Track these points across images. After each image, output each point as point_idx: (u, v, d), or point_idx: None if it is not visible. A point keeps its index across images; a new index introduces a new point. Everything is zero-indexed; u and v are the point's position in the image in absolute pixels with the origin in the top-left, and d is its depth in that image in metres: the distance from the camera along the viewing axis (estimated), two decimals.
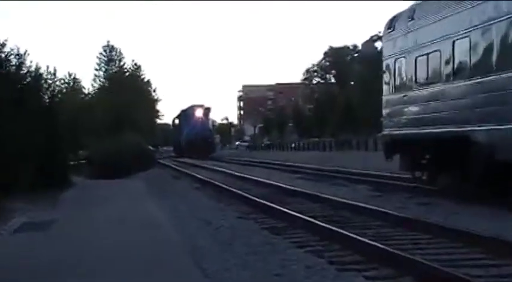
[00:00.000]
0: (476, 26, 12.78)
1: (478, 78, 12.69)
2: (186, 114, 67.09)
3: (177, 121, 71.29)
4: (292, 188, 18.05)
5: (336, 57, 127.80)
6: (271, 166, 35.41)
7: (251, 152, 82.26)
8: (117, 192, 21.77)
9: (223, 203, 15.95)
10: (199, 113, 65.80)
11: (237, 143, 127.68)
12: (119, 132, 43.68)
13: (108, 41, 78.75)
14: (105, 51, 77.48)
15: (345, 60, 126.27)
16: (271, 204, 13.78)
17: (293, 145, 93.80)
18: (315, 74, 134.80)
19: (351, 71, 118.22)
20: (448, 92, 13.82)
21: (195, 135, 62.40)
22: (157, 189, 22.12)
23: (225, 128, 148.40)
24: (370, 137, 70.21)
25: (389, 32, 17.06)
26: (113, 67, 76.72)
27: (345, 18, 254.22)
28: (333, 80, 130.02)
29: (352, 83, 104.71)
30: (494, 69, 12.22)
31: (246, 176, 25.08)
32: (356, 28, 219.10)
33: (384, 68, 17.27)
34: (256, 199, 14.99)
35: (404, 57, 15.91)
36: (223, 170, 32.12)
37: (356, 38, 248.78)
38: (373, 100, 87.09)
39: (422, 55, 14.89)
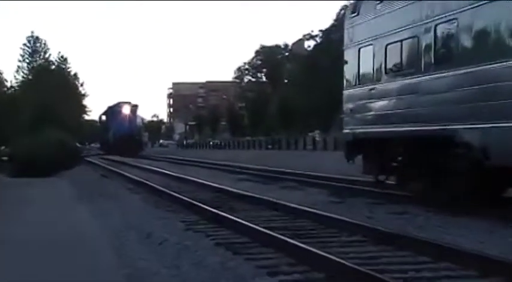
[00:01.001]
0: (464, 7, 10.98)
1: (467, 68, 10.86)
2: (113, 111, 66.11)
3: (104, 118, 70.25)
4: (241, 192, 16.01)
5: (268, 56, 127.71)
6: (209, 166, 33.25)
7: (181, 150, 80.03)
8: (37, 195, 19.33)
9: (163, 209, 13.80)
10: (126, 110, 65.06)
11: (160, 141, 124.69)
12: (43, 127, 40.82)
13: (32, 32, 74.57)
14: (29, 42, 73.73)
15: (277, 59, 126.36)
16: (222, 213, 11.73)
17: (211, 143, 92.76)
18: (246, 72, 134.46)
19: (283, 70, 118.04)
20: (427, 84, 11.94)
21: (122, 132, 61.66)
22: (84, 191, 19.77)
23: (155, 126, 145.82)
24: (302, 136, 69.76)
25: (352, 17, 15.10)
26: (38, 59, 72.87)
27: (276, 18, 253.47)
28: (264, 79, 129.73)
29: (286, 81, 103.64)
30: (488, 57, 10.44)
31: (184, 176, 22.89)
32: (287, 27, 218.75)
33: (346, 58, 15.29)
34: (203, 205, 12.90)
35: (371, 44, 13.97)
36: (157, 169, 29.83)
37: (287, 37, 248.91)
38: (307, 98, 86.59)
39: (395, 42, 12.96)
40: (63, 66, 73.79)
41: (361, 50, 14.41)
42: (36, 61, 72.83)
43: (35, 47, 72.63)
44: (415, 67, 12.41)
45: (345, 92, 15.37)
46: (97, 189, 19.71)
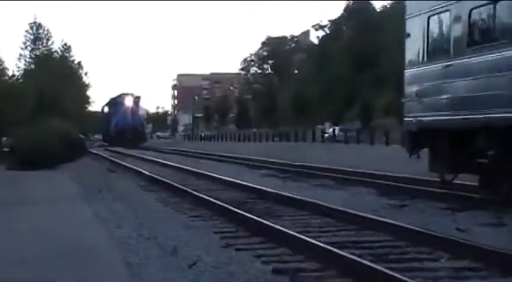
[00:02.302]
0: None
1: None
2: (115, 103, 65.91)
3: (106, 109, 69.80)
4: (273, 191, 13.52)
5: (274, 47, 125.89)
6: (223, 159, 30.62)
7: (188, 143, 77.62)
8: (35, 192, 16.88)
9: (186, 213, 11.35)
10: (129, 101, 64.88)
11: (157, 133, 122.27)
12: (45, 118, 38.35)
13: (35, 18, 71.32)
14: (31, 28, 70.77)
15: (283, 50, 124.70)
16: (264, 221, 9.25)
17: (202, 135, 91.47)
18: (253, 63, 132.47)
19: (290, 61, 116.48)
20: None
21: (125, 124, 61.76)
22: (89, 188, 17.28)
23: (161, 118, 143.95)
24: (310, 128, 67.47)
25: None
26: (40, 46, 70.09)
27: (282, 9, 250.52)
28: (270, 70, 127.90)
29: (296, 71, 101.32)
30: None
31: (201, 171, 20.41)
32: (293, 19, 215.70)
33: (408, 30, 12.60)
34: (237, 210, 10.43)
35: (447, 10, 11.34)
36: (168, 162, 27.36)
37: (293, 28, 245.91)
38: (318, 89, 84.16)
39: (484, 5, 10.37)
40: (67, 55, 71.07)
41: (432, 18, 11.73)
42: (38, 49, 70.05)
43: (37, 34, 69.90)
44: None
45: (408, 72, 12.65)
46: (104, 186, 17.22)
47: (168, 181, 16.54)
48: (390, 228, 8.58)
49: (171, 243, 8.64)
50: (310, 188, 15.72)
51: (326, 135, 60.81)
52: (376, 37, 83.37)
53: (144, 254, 8.11)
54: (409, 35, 12.58)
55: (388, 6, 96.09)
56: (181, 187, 14.83)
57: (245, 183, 15.70)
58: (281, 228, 8.47)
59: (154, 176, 18.71)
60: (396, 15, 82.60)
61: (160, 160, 29.55)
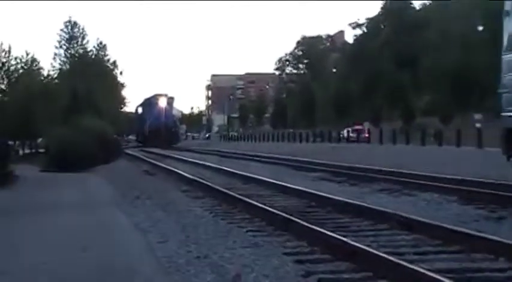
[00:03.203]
0: None
1: None
2: (149, 103, 66.20)
3: (140, 110, 70.12)
4: (333, 197, 11.72)
5: (309, 46, 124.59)
6: (267, 160, 28.67)
7: (224, 143, 76.09)
8: (66, 197, 15.36)
9: (240, 226, 9.59)
10: (162, 102, 65.13)
11: (193, 134, 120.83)
12: (80, 118, 36.94)
13: (70, 17, 69.77)
14: (66, 27, 69.56)
15: (319, 50, 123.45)
16: (345, 239, 7.45)
17: (235, 135, 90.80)
18: (287, 63, 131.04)
19: (326, 60, 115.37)
20: None
21: (158, 124, 61.96)
22: (127, 192, 15.69)
23: (195, 118, 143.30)
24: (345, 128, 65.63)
25: None
26: (75, 45, 68.83)
27: (317, 8, 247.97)
28: (305, 70, 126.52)
29: (334, 70, 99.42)
30: None
31: (246, 174, 18.68)
32: (328, 18, 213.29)
33: (507, 7, 10.54)
34: (305, 223, 8.64)
35: None
36: (207, 163, 25.73)
37: (328, 27, 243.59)
38: (356, 88, 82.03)
39: None
40: (102, 53, 69.65)
41: None
42: (73, 47, 68.84)
43: (72, 32, 68.64)
44: None
45: (506, 57, 10.67)
46: (143, 190, 15.60)
47: (213, 185, 14.83)
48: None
49: (228, 265, 6.96)
50: (373, 194, 13.93)
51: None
52: (416, 36, 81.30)
53: (197, 280, 6.46)
54: (508, 14, 10.54)
55: (428, 4, 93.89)
56: (230, 192, 13.11)
57: (298, 187, 13.94)
58: (373, 251, 6.68)
59: (198, 179, 16.99)
60: (437, 14, 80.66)
61: (199, 161, 27.92)
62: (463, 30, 64.93)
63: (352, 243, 7.11)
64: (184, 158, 32.14)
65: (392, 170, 18.86)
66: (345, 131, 63.34)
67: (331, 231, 7.95)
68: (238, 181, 17.31)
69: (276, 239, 8.32)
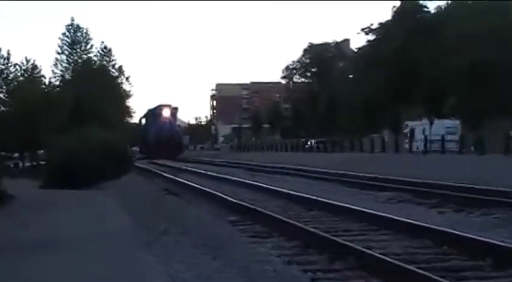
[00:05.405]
0: None
1: None
2: (153, 114, 65.88)
3: (143, 121, 69.67)
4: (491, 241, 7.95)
5: (317, 54, 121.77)
6: (298, 173, 24.93)
7: (237, 154, 72.39)
8: (66, 229, 11.44)
9: None
10: (166, 113, 64.86)
11: (201, 145, 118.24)
12: (84, 127, 33.11)
13: (72, 20, 65.23)
14: (68, 31, 65.29)
15: (326, 57, 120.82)
16: None
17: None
18: (294, 71, 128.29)
19: (334, 67, 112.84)
20: None
21: (162, 135, 61.70)
22: (148, 220, 11.79)
23: (199, 128, 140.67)
24: (362, 137, 61.81)
25: None
26: (78, 50, 64.64)
27: (324, 16, 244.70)
28: (312, 78, 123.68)
29: (351, 76, 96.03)
30: None
31: (292, 192, 14.93)
32: (335, 25, 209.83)
33: None
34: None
35: None
36: (234, 178, 22.08)
37: (335, 35, 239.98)
38: (370, 94, 78.56)
39: None
40: (107, 59, 65.36)
41: None
42: (76, 53, 64.79)
43: (75, 37, 64.43)
44: None
45: None
46: (171, 219, 11.68)
47: (273, 214, 10.86)
48: None
49: None
50: (446, 215, 10.19)
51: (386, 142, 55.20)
52: (430, 40, 77.98)
53: None
54: None
55: (442, 7, 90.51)
56: (309, 228, 9.24)
57: (392, 216, 10.17)
58: None
59: (242, 203, 13.01)
60: (453, 17, 77.22)
61: (223, 175, 24.12)
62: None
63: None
64: (203, 172, 28.35)
65: (456, 184, 15.44)
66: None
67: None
68: (296, 205, 13.26)
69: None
